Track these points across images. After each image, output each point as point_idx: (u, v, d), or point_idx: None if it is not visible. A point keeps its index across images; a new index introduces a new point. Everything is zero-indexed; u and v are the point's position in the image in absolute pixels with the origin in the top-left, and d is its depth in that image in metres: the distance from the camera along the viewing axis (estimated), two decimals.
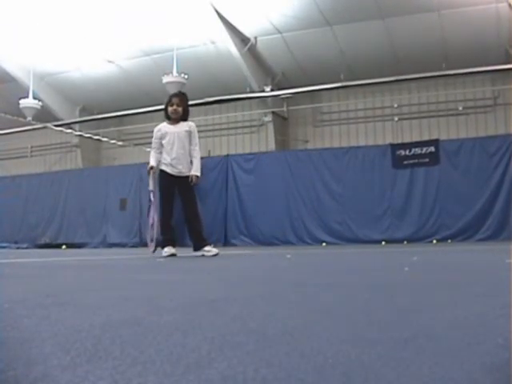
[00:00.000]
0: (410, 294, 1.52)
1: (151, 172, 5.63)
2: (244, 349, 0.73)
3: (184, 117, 5.64)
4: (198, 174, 5.54)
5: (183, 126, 5.60)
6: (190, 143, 5.59)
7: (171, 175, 5.52)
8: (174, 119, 5.61)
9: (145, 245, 13.53)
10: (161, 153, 5.59)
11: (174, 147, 5.50)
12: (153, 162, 5.57)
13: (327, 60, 14.12)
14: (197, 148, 5.62)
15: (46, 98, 16.34)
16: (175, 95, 5.80)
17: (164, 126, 5.66)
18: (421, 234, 12.02)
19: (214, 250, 5.44)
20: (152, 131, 5.81)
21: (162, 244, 5.57)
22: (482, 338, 0.79)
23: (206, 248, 5.43)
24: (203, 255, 5.35)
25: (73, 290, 1.79)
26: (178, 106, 5.58)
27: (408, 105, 15.14)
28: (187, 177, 5.51)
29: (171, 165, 5.51)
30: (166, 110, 5.65)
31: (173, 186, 5.52)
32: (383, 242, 11.94)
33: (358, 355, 0.68)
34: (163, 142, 5.56)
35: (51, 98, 16.83)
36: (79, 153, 18.24)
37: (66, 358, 0.69)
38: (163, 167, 5.57)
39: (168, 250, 5.45)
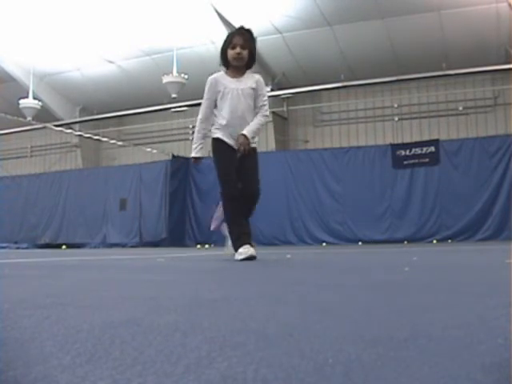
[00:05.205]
0: (410, 294, 1.52)
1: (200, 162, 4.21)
2: (244, 349, 0.73)
3: (250, 64, 4.14)
4: (249, 135, 3.95)
5: (248, 81, 4.09)
6: (255, 105, 4.08)
7: (231, 147, 4.02)
8: (235, 68, 4.08)
9: (145, 245, 13.66)
10: (214, 117, 4.10)
11: (237, 109, 4.00)
12: (198, 152, 4.10)
13: (327, 60, 14.13)
14: (264, 109, 4.09)
15: (45, 98, 16.35)
16: (238, 33, 4.08)
17: (222, 77, 4.09)
18: (421, 234, 12.03)
19: (251, 251, 3.92)
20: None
21: (234, 242, 4.03)
22: (482, 337, 0.79)
23: (241, 250, 3.92)
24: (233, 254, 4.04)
25: (73, 290, 1.79)
26: (243, 49, 4.01)
27: (408, 105, 15.15)
28: (251, 149, 4.03)
29: (230, 134, 4.02)
30: (224, 54, 4.07)
31: (234, 161, 4.02)
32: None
33: (358, 355, 0.68)
34: (218, 100, 4.04)
35: (51, 98, 16.84)
36: (79, 153, 18.25)
37: (65, 358, 0.69)
38: (218, 135, 4.05)
39: (244, 251, 3.88)
